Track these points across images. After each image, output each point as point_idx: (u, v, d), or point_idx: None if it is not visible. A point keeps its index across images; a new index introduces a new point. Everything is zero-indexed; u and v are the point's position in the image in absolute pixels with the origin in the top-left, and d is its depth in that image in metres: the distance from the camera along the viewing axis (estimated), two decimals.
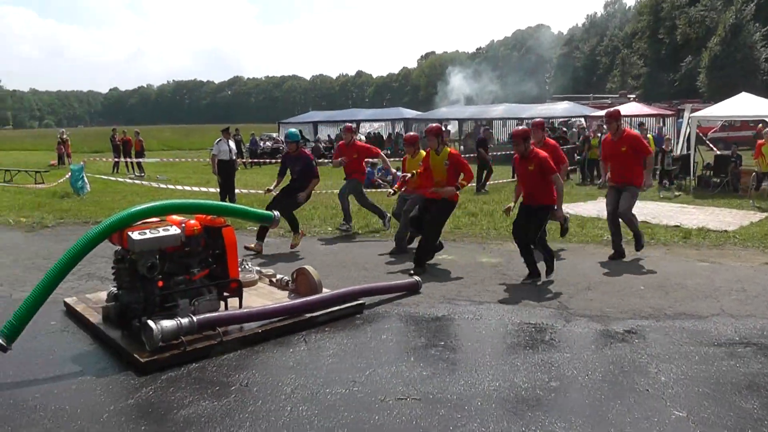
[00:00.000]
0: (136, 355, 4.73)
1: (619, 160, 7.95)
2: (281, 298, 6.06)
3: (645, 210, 12.06)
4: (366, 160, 10.95)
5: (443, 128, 10.07)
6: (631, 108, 26.52)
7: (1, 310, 6.10)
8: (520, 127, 7.26)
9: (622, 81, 62.05)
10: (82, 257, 5.08)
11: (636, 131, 8.43)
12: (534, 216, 7.01)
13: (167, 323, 4.78)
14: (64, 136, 29.26)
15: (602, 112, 27.14)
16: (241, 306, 5.57)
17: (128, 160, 24.41)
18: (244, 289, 5.81)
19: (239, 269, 5.99)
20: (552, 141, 8.49)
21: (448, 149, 7.71)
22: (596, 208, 12.46)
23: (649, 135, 19.32)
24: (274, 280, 6.66)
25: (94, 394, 4.34)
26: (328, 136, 34.87)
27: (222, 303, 5.55)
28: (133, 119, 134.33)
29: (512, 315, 5.87)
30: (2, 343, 4.61)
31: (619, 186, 8.02)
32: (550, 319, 5.74)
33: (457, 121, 33.54)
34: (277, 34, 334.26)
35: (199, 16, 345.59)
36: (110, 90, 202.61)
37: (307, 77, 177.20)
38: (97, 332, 5.42)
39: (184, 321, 4.85)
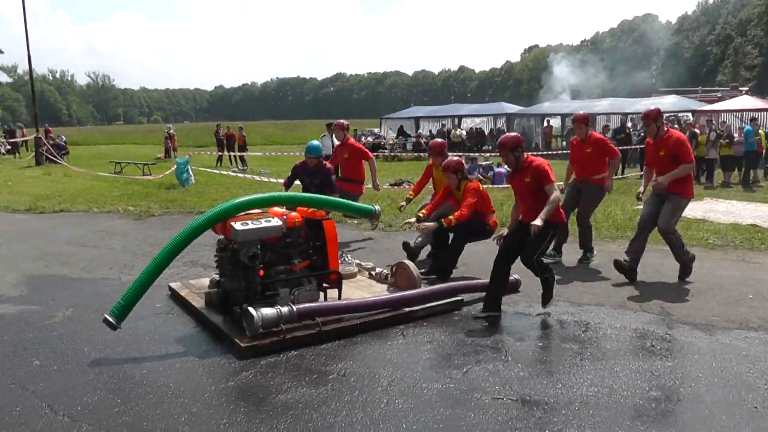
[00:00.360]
0: (237, 340, 4.93)
1: (660, 164, 7.00)
2: (380, 292, 6.13)
3: (756, 213, 11.44)
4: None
5: (465, 162, 8.90)
6: (743, 102, 25.07)
7: (111, 291, 6.55)
8: (511, 134, 6.13)
9: (734, 72, 58.69)
10: (186, 245, 5.39)
11: (679, 133, 7.32)
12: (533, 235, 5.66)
13: (267, 311, 4.95)
14: (171, 131, 30.82)
15: (712, 107, 26.00)
16: (340, 297, 5.68)
17: (231, 154, 25.35)
18: (344, 281, 5.92)
19: (339, 261, 6.11)
20: (598, 135, 7.98)
21: (467, 184, 7.10)
22: (703, 208, 11.93)
23: (761, 131, 18.25)
24: (373, 273, 6.75)
25: (197, 374, 4.56)
26: (430, 131, 34.91)
27: (321, 294, 5.68)
28: (237, 115, 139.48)
29: (612, 318, 5.68)
30: (113, 321, 4.93)
31: (661, 194, 6.98)
32: (652, 324, 5.51)
33: (559, 117, 32.77)
34: (379, 30, 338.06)
35: (304, 14, 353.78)
36: (215, 87, 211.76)
37: (410, 73, 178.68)
38: (200, 316, 5.69)
39: (284, 310, 5.01)
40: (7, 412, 4.00)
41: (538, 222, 5.41)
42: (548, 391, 4.19)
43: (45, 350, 5.08)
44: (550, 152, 23.18)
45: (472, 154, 22.55)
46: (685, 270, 6.94)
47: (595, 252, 7.88)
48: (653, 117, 6.94)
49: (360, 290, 6.19)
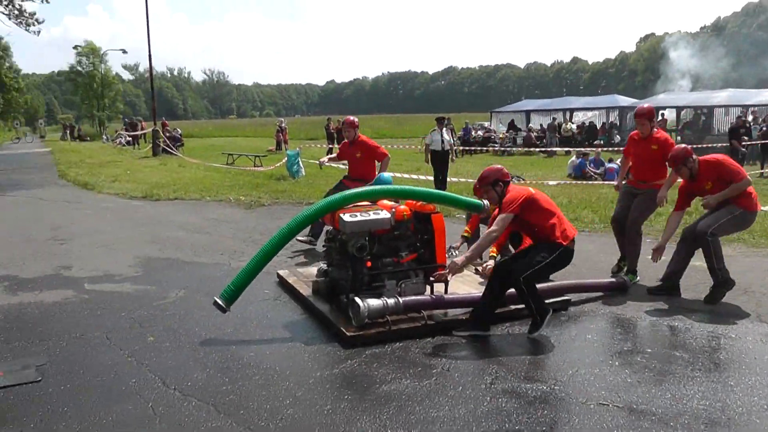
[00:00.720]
0: (342, 329, 5.04)
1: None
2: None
3: None
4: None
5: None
6: None
7: (222, 275, 6.87)
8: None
9: None
10: (295, 234, 5.59)
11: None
12: (522, 255, 5.37)
13: (374, 302, 5.02)
14: (283, 125, 31.78)
15: None
16: (446, 292, 5.67)
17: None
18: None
19: (447, 255, 6.10)
20: (663, 134, 7.15)
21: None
22: None
23: None
24: (479, 268, 6.70)
25: (302, 359, 4.70)
26: (540, 125, 34.17)
27: (428, 287, 5.69)
28: (347, 110, 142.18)
29: (728, 329, 5.30)
30: (222, 305, 5.15)
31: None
32: None
33: (675, 109, 31.16)
34: (491, 22, 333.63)
35: (414, 8, 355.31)
36: (327, 82, 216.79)
37: (521, 65, 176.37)
38: (307, 304, 5.85)
39: (391, 301, 5.06)
40: (123, 383, 4.28)
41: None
42: (656, 401, 4.00)
43: (158, 328, 5.40)
44: None
45: (583, 149, 21.90)
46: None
47: (638, 277, 6.72)
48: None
49: (466, 285, 6.16)
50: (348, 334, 4.95)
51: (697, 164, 6.03)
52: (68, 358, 4.81)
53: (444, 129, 14.41)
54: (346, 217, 5.32)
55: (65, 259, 8.14)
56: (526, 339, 5.11)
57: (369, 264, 5.56)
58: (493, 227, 5.18)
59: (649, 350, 4.89)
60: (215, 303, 5.17)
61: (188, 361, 4.68)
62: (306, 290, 6.06)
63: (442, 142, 14.06)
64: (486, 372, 4.45)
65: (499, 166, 5.58)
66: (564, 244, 5.17)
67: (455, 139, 21.65)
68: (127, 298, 6.33)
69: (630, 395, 4.06)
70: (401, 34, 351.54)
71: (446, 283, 5.64)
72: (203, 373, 4.44)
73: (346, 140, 9.12)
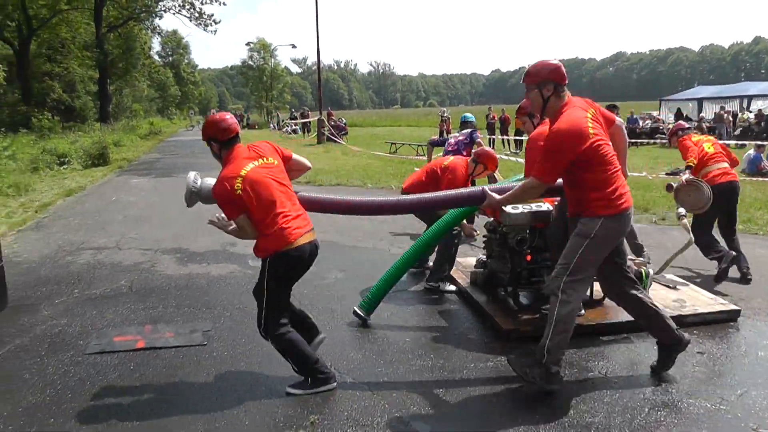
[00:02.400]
0: (498, 321, 4.94)
1: None
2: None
3: None
4: (756, 144, 9.01)
5: None
6: None
7: (380, 260, 7.02)
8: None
9: None
10: (438, 239, 5.58)
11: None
12: None
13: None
14: (446, 115, 31.81)
15: None
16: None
17: (504, 137, 25.47)
18: None
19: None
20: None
21: None
22: None
23: None
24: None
25: (456, 350, 4.66)
26: (715, 113, 31.38)
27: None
28: (513, 98, 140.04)
29: None
30: (362, 314, 5.23)
31: None
32: None
33: None
34: (664, 2, 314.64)
35: None
36: (492, 71, 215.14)
37: (695, 48, 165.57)
38: (465, 294, 5.81)
39: None
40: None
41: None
42: None
43: (318, 306, 5.59)
44: None
45: (760, 142, 19.99)
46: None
47: None
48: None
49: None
50: (504, 327, 4.86)
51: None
52: (231, 327, 5.15)
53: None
54: (508, 208, 5.20)
55: (231, 236, 8.63)
56: (690, 351, 4.68)
57: (529, 258, 5.41)
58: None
59: None
60: (355, 313, 5.26)
61: (345, 341, 4.81)
62: (464, 280, 6.02)
63: None
64: (644, 382, 4.16)
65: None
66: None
67: None
68: None
69: None
70: (568, 20, 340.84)
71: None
72: (359, 354, 4.55)
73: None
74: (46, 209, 11.55)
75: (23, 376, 4.30)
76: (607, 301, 5.18)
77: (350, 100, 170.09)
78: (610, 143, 3.90)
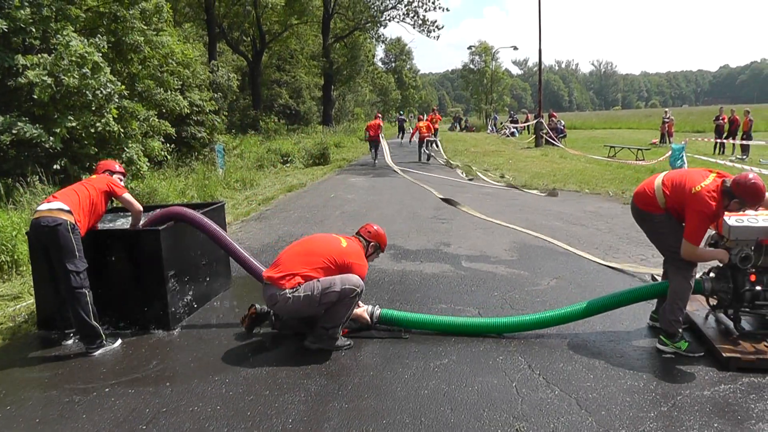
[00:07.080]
0: (718, 347, 4.52)
1: None
2: None
3: None
4: None
5: None
6: None
7: (595, 270, 6.87)
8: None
9: None
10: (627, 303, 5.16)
11: None
12: None
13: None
14: (669, 116, 29.82)
15: None
16: None
17: (733, 141, 23.31)
18: None
19: None
20: None
21: None
22: None
23: None
24: None
25: (669, 374, 4.35)
26: None
27: None
28: (740, 98, 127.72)
29: None
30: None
31: None
32: None
33: None
34: None
35: None
36: (720, 68, 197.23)
37: None
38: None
39: None
40: (491, 357, 4.57)
41: None
42: None
43: (529, 310, 5.51)
44: None
45: None
46: None
47: None
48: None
49: None
50: (724, 355, 4.41)
51: None
52: None
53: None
54: (731, 221, 4.73)
55: (446, 236, 8.86)
56: None
57: (753, 278, 4.86)
58: None
59: None
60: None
61: (556, 350, 4.71)
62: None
63: None
64: None
65: None
66: None
67: None
68: (501, 279, 6.61)
69: None
70: None
71: None
72: (569, 365, 4.42)
73: None
74: (269, 202, 12.64)
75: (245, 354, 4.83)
76: None
77: (570, 101, 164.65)
78: None
